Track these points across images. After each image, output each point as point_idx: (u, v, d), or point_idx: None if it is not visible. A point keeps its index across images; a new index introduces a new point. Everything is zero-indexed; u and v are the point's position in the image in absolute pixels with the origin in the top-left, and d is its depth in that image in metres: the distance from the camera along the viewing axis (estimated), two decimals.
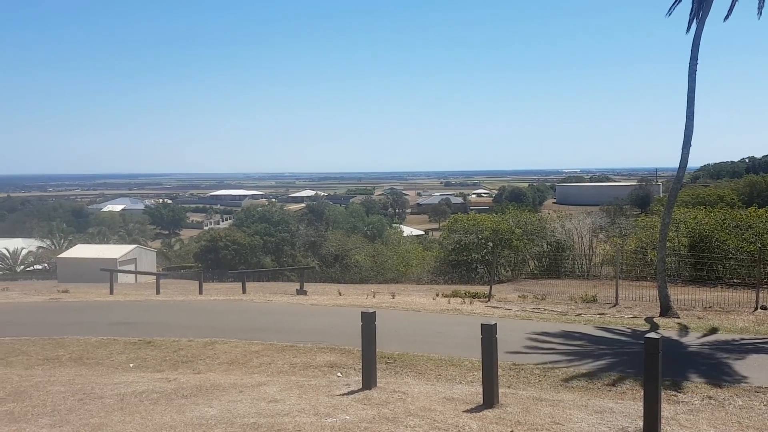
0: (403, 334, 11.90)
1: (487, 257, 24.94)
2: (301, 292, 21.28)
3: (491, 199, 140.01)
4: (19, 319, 14.77)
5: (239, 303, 17.43)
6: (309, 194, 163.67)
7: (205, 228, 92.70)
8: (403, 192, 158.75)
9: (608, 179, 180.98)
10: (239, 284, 23.56)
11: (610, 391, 8.25)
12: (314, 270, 31.68)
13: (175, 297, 19.84)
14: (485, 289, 19.06)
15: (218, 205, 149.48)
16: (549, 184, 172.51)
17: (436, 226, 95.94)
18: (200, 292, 21.43)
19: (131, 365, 10.03)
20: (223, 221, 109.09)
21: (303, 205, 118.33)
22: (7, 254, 48.01)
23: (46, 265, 46.82)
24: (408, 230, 73.31)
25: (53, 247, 52.46)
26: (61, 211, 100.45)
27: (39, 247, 52.85)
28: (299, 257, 44.69)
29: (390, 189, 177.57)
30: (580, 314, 14.93)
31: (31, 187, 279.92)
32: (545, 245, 26.51)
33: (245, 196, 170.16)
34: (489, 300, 17.56)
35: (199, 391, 7.43)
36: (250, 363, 9.93)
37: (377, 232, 63.99)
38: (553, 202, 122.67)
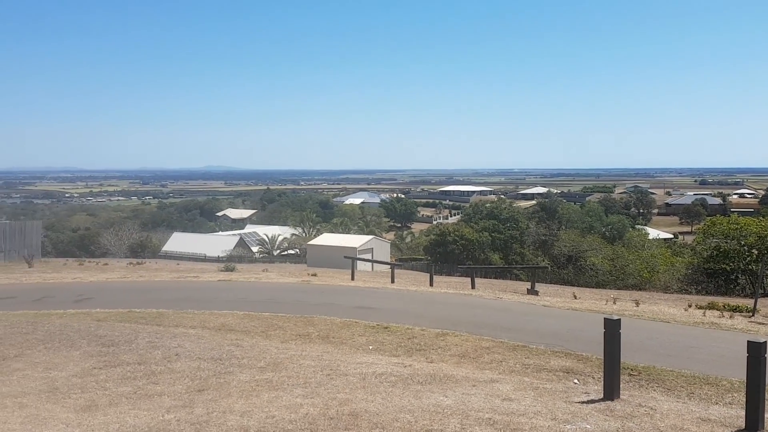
0: (649, 345, 10.92)
1: (750, 266, 21.90)
2: (532, 291, 20.77)
3: (757, 200, 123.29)
4: (277, 298, 16.68)
5: (469, 298, 17.57)
6: (540, 191, 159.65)
7: (434, 222, 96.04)
8: (650, 190, 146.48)
9: None
10: (467, 279, 23.78)
11: None
12: (546, 270, 30.70)
13: (408, 287, 20.71)
14: (748, 302, 16.80)
15: (447, 201, 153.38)
16: None
17: (687, 229, 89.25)
18: (431, 284, 22.10)
19: (370, 347, 10.64)
20: (451, 216, 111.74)
21: (533, 202, 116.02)
22: (267, 239, 54.99)
23: (297, 250, 52.54)
24: (654, 233, 68.24)
25: (304, 234, 58.51)
26: (310, 202, 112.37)
27: (292, 234, 59.49)
28: (529, 256, 43.81)
29: (633, 187, 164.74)
30: None
31: (287, 180, 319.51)
32: None
33: (473, 192, 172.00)
34: (753, 315, 15.54)
35: (433, 380, 7.56)
36: (480, 358, 9.87)
37: (617, 233, 60.01)
38: None
